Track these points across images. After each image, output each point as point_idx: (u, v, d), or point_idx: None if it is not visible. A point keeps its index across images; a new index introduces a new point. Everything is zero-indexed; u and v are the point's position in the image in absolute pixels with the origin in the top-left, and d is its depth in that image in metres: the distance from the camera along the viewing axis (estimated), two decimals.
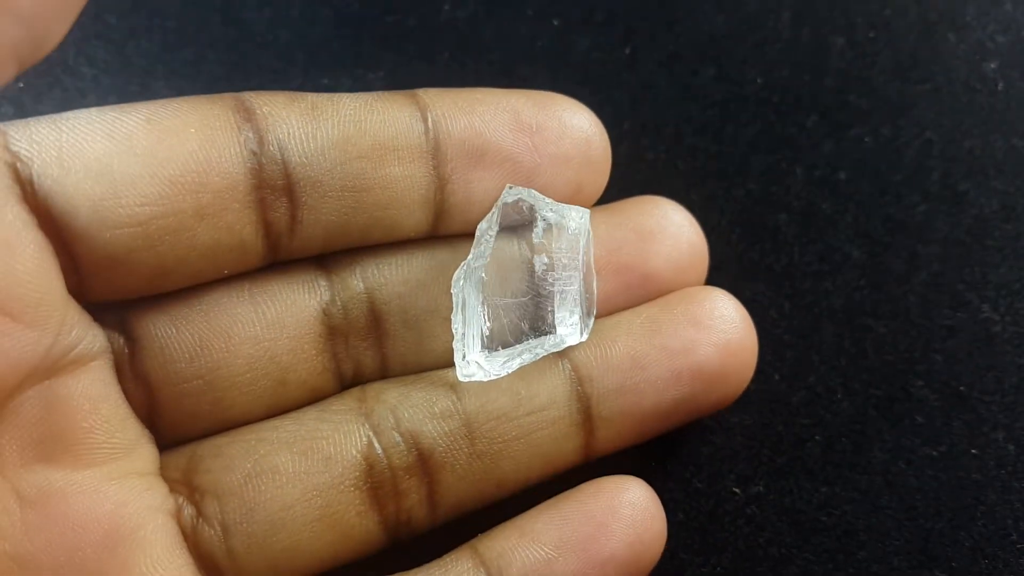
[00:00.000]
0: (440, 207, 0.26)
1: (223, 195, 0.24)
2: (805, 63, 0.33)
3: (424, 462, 0.26)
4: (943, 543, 0.29)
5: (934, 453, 0.30)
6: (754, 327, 0.27)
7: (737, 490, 0.30)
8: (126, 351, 0.24)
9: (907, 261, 0.31)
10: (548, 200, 0.26)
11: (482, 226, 0.25)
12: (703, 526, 0.29)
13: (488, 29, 0.34)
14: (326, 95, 0.25)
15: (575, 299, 0.26)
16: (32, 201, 0.22)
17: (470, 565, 0.25)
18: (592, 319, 0.26)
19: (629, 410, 0.26)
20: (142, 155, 0.23)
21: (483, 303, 0.25)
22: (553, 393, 0.26)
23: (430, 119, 0.26)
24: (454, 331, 0.25)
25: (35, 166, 0.22)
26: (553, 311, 0.26)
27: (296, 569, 0.25)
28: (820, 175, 0.32)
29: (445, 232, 0.27)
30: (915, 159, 0.32)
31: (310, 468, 0.25)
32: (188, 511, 0.24)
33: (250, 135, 0.24)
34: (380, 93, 0.26)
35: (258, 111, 0.24)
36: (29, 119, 0.23)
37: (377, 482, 0.25)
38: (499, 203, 0.25)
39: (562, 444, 0.26)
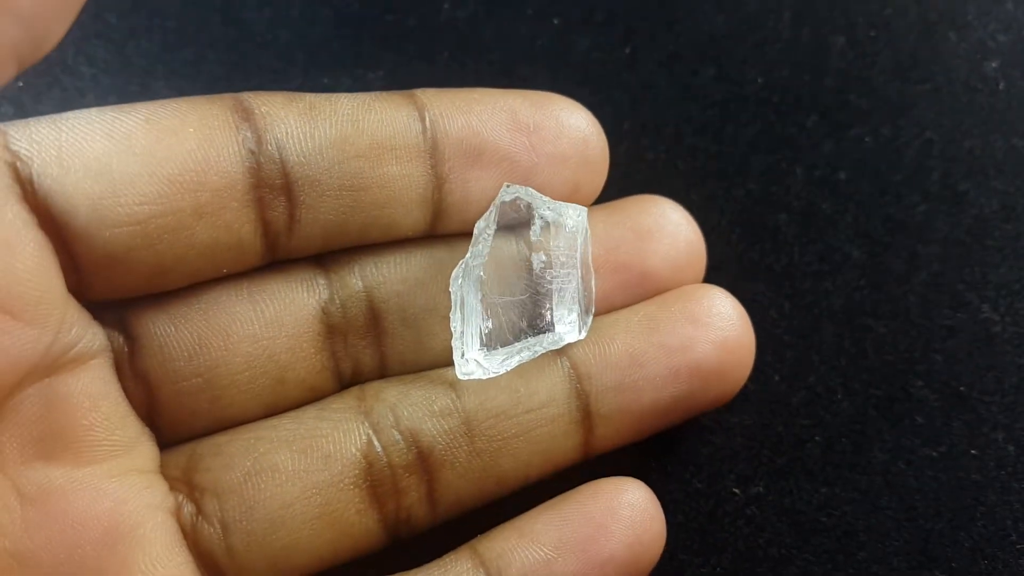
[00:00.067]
0: (438, 206, 0.26)
1: (221, 194, 0.24)
2: (805, 63, 0.33)
3: (424, 460, 0.26)
4: (943, 544, 0.29)
5: (934, 453, 0.30)
6: (751, 325, 0.27)
7: (737, 491, 0.30)
8: (125, 349, 0.25)
9: (907, 261, 0.31)
10: (545, 198, 0.26)
11: (480, 225, 0.25)
12: (703, 527, 0.29)
13: (488, 29, 0.34)
14: (324, 95, 0.26)
15: (573, 297, 0.26)
16: (32, 200, 0.22)
17: (469, 565, 0.25)
18: (591, 317, 0.26)
19: (628, 407, 0.27)
20: (141, 154, 0.23)
21: (481, 301, 0.25)
22: (552, 390, 0.26)
23: (428, 119, 0.26)
24: (453, 329, 0.25)
25: (35, 165, 0.22)
26: (551, 309, 0.26)
27: (295, 567, 0.25)
28: (820, 175, 0.32)
29: (443, 231, 0.27)
30: (915, 159, 0.32)
31: (309, 466, 0.25)
32: (188, 509, 0.24)
33: (248, 134, 0.24)
34: (378, 93, 0.26)
35: (256, 111, 0.24)
36: (29, 119, 0.23)
37: (377, 480, 0.25)
38: (497, 201, 0.25)
39: (561, 441, 0.26)
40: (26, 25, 0.20)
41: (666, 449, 0.30)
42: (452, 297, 0.25)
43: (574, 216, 0.26)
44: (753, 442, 0.30)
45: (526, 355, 0.26)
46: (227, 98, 0.24)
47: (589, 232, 0.26)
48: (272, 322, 0.25)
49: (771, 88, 0.33)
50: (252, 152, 0.24)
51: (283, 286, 0.26)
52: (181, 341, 0.25)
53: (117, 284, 0.24)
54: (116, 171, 0.23)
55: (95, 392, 0.23)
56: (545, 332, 0.26)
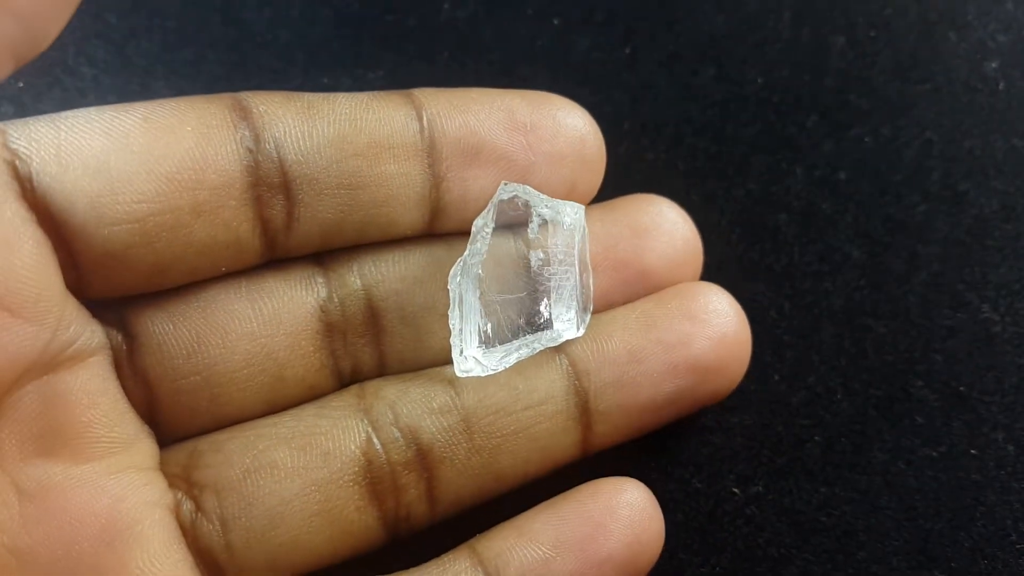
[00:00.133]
0: (436, 205, 0.26)
1: (219, 192, 0.24)
2: (805, 63, 0.33)
3: (423, 457, 0.26)
4: (943, 543, 0.29)
5: (934, 453, 0.29)
6: (747, 321, 0.27)
7: (736, 490, 0.30)
8: (124, 347, 0.25)
9: (907, 261, 0.31)
10: (543, 196, 0.26)
11: (478, 222, 0.25)
12: (703, 526, 0.29)
13: (488, 29, 0.34)
14: (322, 94, 0.26)
15: (571, 294, 0.26)
16: (31, 198, 0.22)
17: (468, 564, 0.25)
18: (589, 314, 0.27)
19: (626, 403, 0.27)
20: (139, 152, 0.23)
21: (480, 299, 0.25)
22: (551, 387, 0.26)
23: (425, 118, 0.26)
24: (451, 327, 0.26)
25: (34, 164, 0.22)
26: (550, 306, 0.26)
27: (295, 564, 0.25)
28: (820, 175, 0.32)
29: (441, 230, 0.27)
30: (915, 159, 0.32)
31: (309, 463, 0.25)
32: (187, 506, 0.25)
33: (246, 133, 0.24)
34: (376, 92, 0.26)
35: (254, 110, 0.24)
36: (28, 118, 0.23)
37: (376, 477, 0.25)
38: (495, 199, 0.25)
39: (560, 438, 0.26)
40: (23, 22, 0.20)
41: (666, 449, 0.30)
42: (451, 295, 0.25)
43: (572, 214, 0.26)
44: (753, 442, 0.30)
45: (524, 352, 0.26)
46: (225, 97, 0.25)
47: (587, 230, 0.26)
48: (271, 320, 0.25)
49: (771, 88, 0.33)
50: (250, 151, 0.24)
51: (282, 284, 0.26)
52: (180, 339, 0.25)
53: (116, 282, 0.24)
54: (114, 169, 0.23)
55: (94, 389, 0.23)
56: (543, 329, 0.26)
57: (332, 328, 0.26)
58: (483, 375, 0.26)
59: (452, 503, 0.26)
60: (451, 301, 0.25)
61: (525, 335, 0.26)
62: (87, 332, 0.23)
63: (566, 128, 0.26)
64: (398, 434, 0.26)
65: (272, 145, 0.24)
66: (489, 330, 0.26)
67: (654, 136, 0.33)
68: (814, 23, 0.34)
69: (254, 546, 0.25)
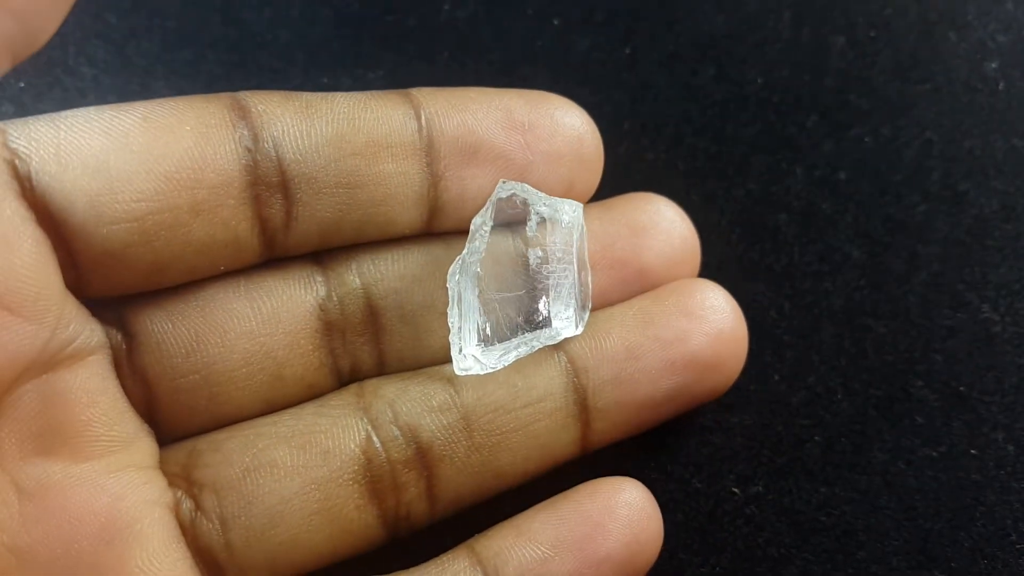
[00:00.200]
0: (434, 204, 0.26)
1: (218, 191, 0.24)
2: (805, 63, 0.33)
3: (423, 455, 0.26)
4: (942, 543, 0.29)
5: (934, 453, 0.29)
6: (744, 317, 0.27)
7: (736, 490, 0.30)
8: (123, 346, 0.25)
9: (907, 261, 0.31)
10: (541, 194, 0.26)
11: (476, 221, 0.26)
12: (702, 526, 0.29)
13: (488, 29, 0.34)
14: (321, 94, 0.26)
15: (570, 292, 0.26)
16: (30, 197, 0.22)
17: (467, 564, 0.25)
18: (587, 312, 0.27)
19: (625, 400, 0.27)
20: (138, 152, 0.23)
21: (479, 297, 0.25)
22: (550, 385, 0.26)
23: (423, 117, 0.26)
24: (450, 325, 0.26)
25: (33, 163, 0.22)
26: (548, 304, 0.26)
27: (294, 563, 0.25)
28: (820, 175, 0.32)
29: (439, 229, 0.27)
30: (915, 159, 0.32)
31: (308, 462, 0.25)
32: (186, 505, 0.25)
33: (245, 132, 0.24)
34: (374, 92, 0.26)
35: (253, 109, 0.24)
36: (28, 117, 0.23)
37: (376, 476, 0.25)
38: (493, 198, 0.25)
39: (559, 435, 0.27)
40: (20, 20, 0.20)
41: (666, 449, 0.30)
42: (449, 293, 0.25)
43: (570, 212, 0.26)
44: (753, 442, 0.30)
45: (523, 350, 0.26)
46: (224, 97, 0.25)
47: (585, 228, 0.26)
48: (270, 319, 0.25)
49: (771, 88, 0.33)
50: (249, 150, 0.24)
51: (280, 283, 0.26)
52: (179, 338, 0.25)
53: (115, 281, 0.24)
54: (113, 168, 0.23)
55: (93, 388, 0.23)
56: (542, 327, 0.26)
57: (331, 327, 0.26)
58: (482, 373, 0.26)
59: (452, 501, 0.26)
60: (450, 299, 0.25)
61: (524, 333, 0.26)
62: (86, 331, 0.23)
63: (564, 127, 0.27)
64: (397, 432, 0.26)
65: (271, 144, 0.24)
66: (488, 328, 0.26)
67: (654, 136, 0.33)
68: (814, 23, 0.34)
69: (254, 545, 0.25)
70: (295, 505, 0.25)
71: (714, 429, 0.30)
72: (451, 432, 0.26)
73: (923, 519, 0.29)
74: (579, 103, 0.27)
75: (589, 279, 0.27)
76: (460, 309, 0.25)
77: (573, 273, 0.26)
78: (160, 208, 0.23)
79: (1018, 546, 0.29)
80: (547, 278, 0.26)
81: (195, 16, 0.33)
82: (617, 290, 0.28)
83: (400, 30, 0.34)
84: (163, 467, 0.25)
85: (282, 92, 0.25)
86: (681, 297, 0.27)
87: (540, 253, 0.26)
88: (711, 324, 0.27)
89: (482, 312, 0.26)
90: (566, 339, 0.27)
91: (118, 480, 0.23)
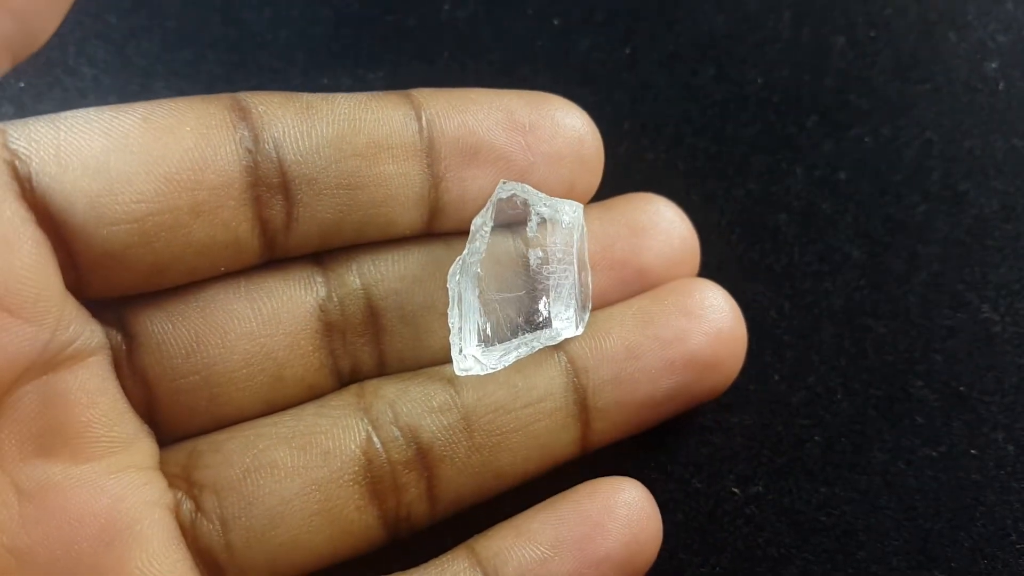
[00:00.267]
0: (434, 205, 0.26)
1: (218, 192, 0.24)
2: (805, 63, 0.33)
3: (423, 456, 0.26)
4: (942, 543, 0.29)
5: (934, 453, 0.29)
6: (743, 316, 0.28)
7: (736, 490, 0.30)
8: (124, 347, 0.25)
9: (907, 261, 0.31)
10: (542, 195, 0.26)
11: (477, 221, 0.26)
12: (702, 526, 0.29)
13: (488, 29, 0.34)
14: (321, 95, 0.26)
15: (570, 292, 0.26)
16: (30, 198, 0.22)
17: (466, 564, 0.25)
18: (588, 312, 0.27)
19: (624, 400, 0.27)
20: (138, 153, 0.23)
21: (479, 297, 0.25)
22: (550, 385, 0.26)
23: (424, 118, 0.26)
24: (451, 326, 0.26)
25: (33, 164, 0.22)
26: (548, 305, 0.26)
27: (295, 564, 0.25)
28: (820, 175, 0.32)
29: (439, 230, 0.27)
30: (915, 159, 0.32)
31: (309, 463, 0.25)
32: (187, 506, 0.25)
33: (245, 133, 0.24)
34: (375, 93, 0.26)
35: (253, 110, 0.24)
36: (28, 118, 0.23)
37: (376, 476, 0.25)
38: (493, 198, 0.25)
39: (560, 435, 0.27)
40: (19, 20, 0.20)
41: (666, 449, 0.30)
42: (450, 294, 0.25)
43: (570, 212, 0.26)
44: (753, 442, 0.30)
45: (523, 351, 0.26)
46: (224, 97, 0.25)
47: (585, 228, 0.26)
48: (270, 320, 0.25)
49: (771, 88, 0.33)
50: (249, 151, 0.24)
51: (281, 284, 0.26)
52: (179, 339, 0.25)
53: (115, 282, 0.24)
54: (113, 169, 0.23)
55: (93, 389, 0.23)
56: (542, 328, 0.26)
57: (331, 327, 0.26)
58: (482, 373, 0.26)
59: (452, 502, 0.26)
60: (450, 300, 0.25)
61: (524, 334, 0.26)
62: (86, 332, 0.23)
63: (565, 128, 0.27)
64: (398, 433, 0.26)
65: (271, 145, 0.24)
66: (488, 329, 0.26)
67: (654, 136, 0.33)
68: (814, 23, 0.34)
69: (254, 546, 0.25)
70: (295, 506, 0.25)
71: (714, 429, 0.30)
72: (451, 432, 0.26)
73: (923, 519, 0.29)
74: (579, 103, 0.27)
75: (589, 280, 0.27)
76: (460, 310, 0.25)
77: (573, 274, 0.26)
78: (160, 209, 0.23)
79: (1018, 546, 0.29)
80: (547, 279, 0.26)
81: (195, 16, 0.33)
82: (617, 290, 0.28)
83: (400, 30, 0.34)
84: (163, 468, 0.25)
85: (283, 93, 0.25)
86: (680, 296, 0.27)
87: (540, 254, 0.26)
88: (710, 323, 0.27)
89: (482, 313, 0.26)
90: (566, 339, 0.27)
91: (118, 481, 0.23)
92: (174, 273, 0.24)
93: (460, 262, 0.25)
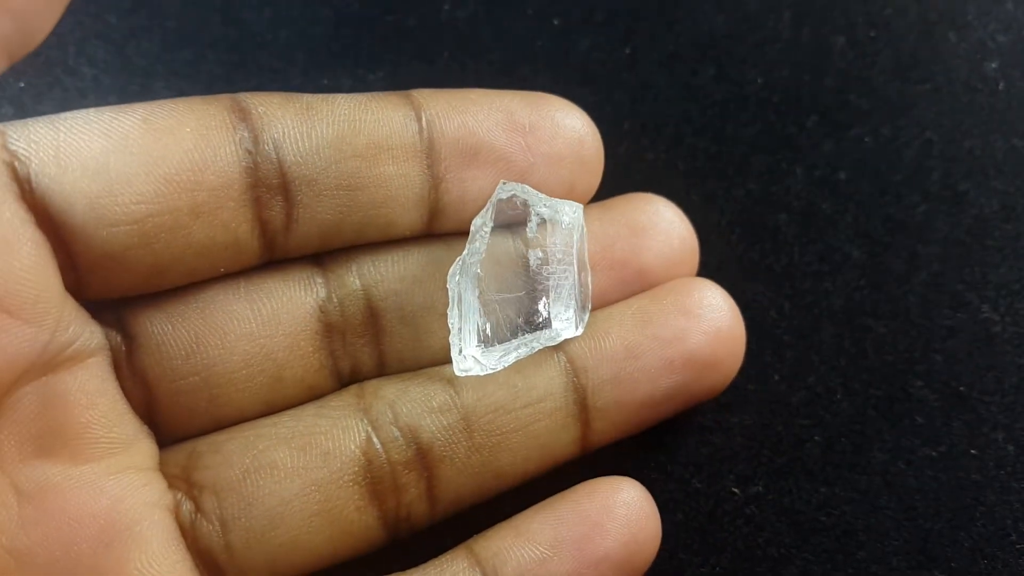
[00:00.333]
0: (434, 206, 0.26)
1: (218, 193, 0.24)
2: (805, 63, 0.33)
3: (423, 456, 0.26)
4: (942, 543, 0.29)
5: (934, 453, 0.29)
6: (741, 316, 0.28)
7: (736, 490, 0.30)
8: (123, 348, 0.25)
9: (907, 261, 0.31)
10: (542, 195, 0.26)
11: (477, 222, 0.26)
12: (702, 526, 0.29)
13: (488, 29, 0.34)
14: (321, 95, 0.26)
15: (570, 293, 0.26)
16: (30, 199, 0.22)
17: (466, 565, 0.25)
18: (587, 313, 0.27)
19: (624, 399, 0.27)
20: (138, 154, 0.23)
21: (479, 298, 0.25)
22: (549, 385, 0.26)
23: (424, 119, 0.26)
24: (450, 326, 0.26)
25: (33, 165, 0.22)
26: (548, 305, 0.26)
27: (294, 564, 0.25)
28: (820, 175, 0.32)
29: (439, 231, 0.27)
30: (915, 159, 0.32)
31: (308, 463, 0.25)
32: (186, 507, 0.25)
33: (245, 134, 0.24)
34: (375, 93, 0.26)
35: (253, 111, 0.24)
36: (27, 119, 0.23)
37: (376, 477, 0.25)
38: (493, 199, 0.25)
39: (559, 435, 0.27)
40: (16, 19, 0.20)
41: (666, 449, 0.30)
42: (450, 294, 0.25)
43: (570, 213, 0.26)
44: (753, 442, 0.30)
45: (523, 351, 0.26)
46: (224, 98, 0.25)
47: (585, 229, 0.26)
48: (270, 321, 0.25)
49: (771, 88, 0.33)
50: (249, 152, 0.24)
51: (280, 285, 0.26)
52: (178, 340, 0.25)
53: (115, 283, 0.24)
54: (113, 170, 0.23)
55: (92, 390, 0.23)
56: (542, 328, 0.26)
57: (331, 328, 0.26)
58: (482, 374, 0.26)
59: (452, 502, 0.26)
60: (450, 300, 0.25)
61: (524, 334, 0.26)
62: (86, 333, 0.23)
63: (565, 129, 0.27)
64: (398, 433, 0.26)
65: (271, 146, 0.24)
66: (488, 329, 0.26)
67: (654, 136, 0.33)
68: (814, 23, 0.34)
69: (254, 546, 0.25)
70: (295, 506, 0.25)
71: (714, 429, 0.30)
72: (451, 433, 0.26)
73: (923, 519, 0.29)
74: (579, 103, 0.27)
75: (589, 280, 0.27)
76: (460, 310, 0.25)
77: (573, 274, 0.26)
78: (160, 210, 0.23)
79: (1018, 546, 0.29)
80: (547, 279, 0.26)
81: (195, 16, 0.33)
82: (616, 290, 0.28)
83: (400, 30, 0.34)
84: (163, 469, 0.25)
85: (282, 93, 0.25)
86: (679, 296, 0.27)
87: (540, 254, 0.26)
88: (709, 323, 0.27)
89: (482, 313, 0.26)
90: (566, 339, 0.27)
91: (118, 482, 0.23)
92: (174, 274, 0.24)
93: (460, 263, 0.25)
